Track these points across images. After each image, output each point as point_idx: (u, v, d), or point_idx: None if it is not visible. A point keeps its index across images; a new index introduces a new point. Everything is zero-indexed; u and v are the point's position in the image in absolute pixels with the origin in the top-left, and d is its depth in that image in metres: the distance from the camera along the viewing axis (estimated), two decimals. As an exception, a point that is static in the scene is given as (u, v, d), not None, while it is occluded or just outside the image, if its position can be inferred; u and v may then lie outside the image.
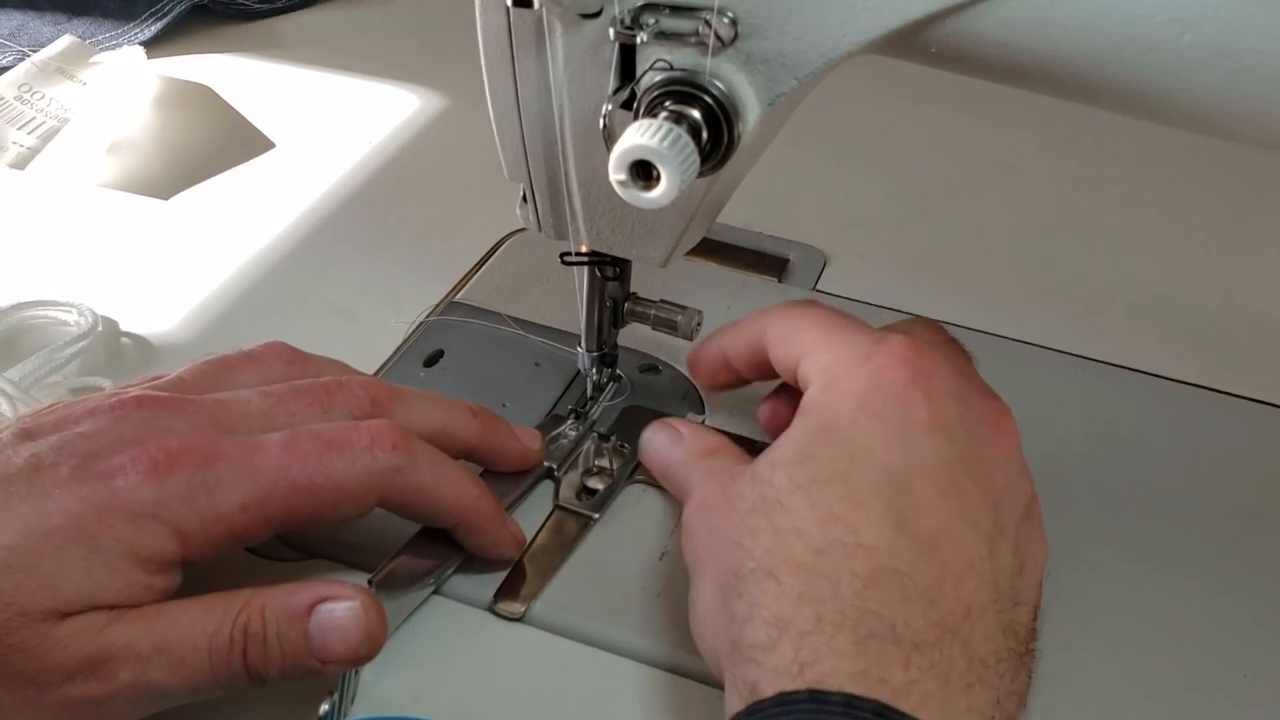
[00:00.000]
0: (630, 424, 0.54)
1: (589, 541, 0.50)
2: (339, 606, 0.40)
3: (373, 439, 0.42)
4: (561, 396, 0.56)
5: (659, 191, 0.38)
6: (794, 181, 0.72)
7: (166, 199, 0.70)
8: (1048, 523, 0.44)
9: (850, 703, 0.35)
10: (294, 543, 0.49)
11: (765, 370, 0.49)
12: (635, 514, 0.51)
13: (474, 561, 0.47)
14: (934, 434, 0.41)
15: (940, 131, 0.79)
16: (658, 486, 0.51)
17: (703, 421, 0.55)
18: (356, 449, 0.42)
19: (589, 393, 0.55)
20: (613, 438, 0.54)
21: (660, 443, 0.50)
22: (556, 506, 0.51)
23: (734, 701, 0.38)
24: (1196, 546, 0.50)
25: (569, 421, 0.54)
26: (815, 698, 0.35)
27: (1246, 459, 0.54)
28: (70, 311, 0.59)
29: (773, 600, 0.38)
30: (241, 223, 0.68)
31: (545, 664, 0.45)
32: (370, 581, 0.45)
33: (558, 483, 0.52)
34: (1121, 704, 0.45)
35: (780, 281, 0.65)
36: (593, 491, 0.51)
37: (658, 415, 0.55)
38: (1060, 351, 0.60)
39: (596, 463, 0.52)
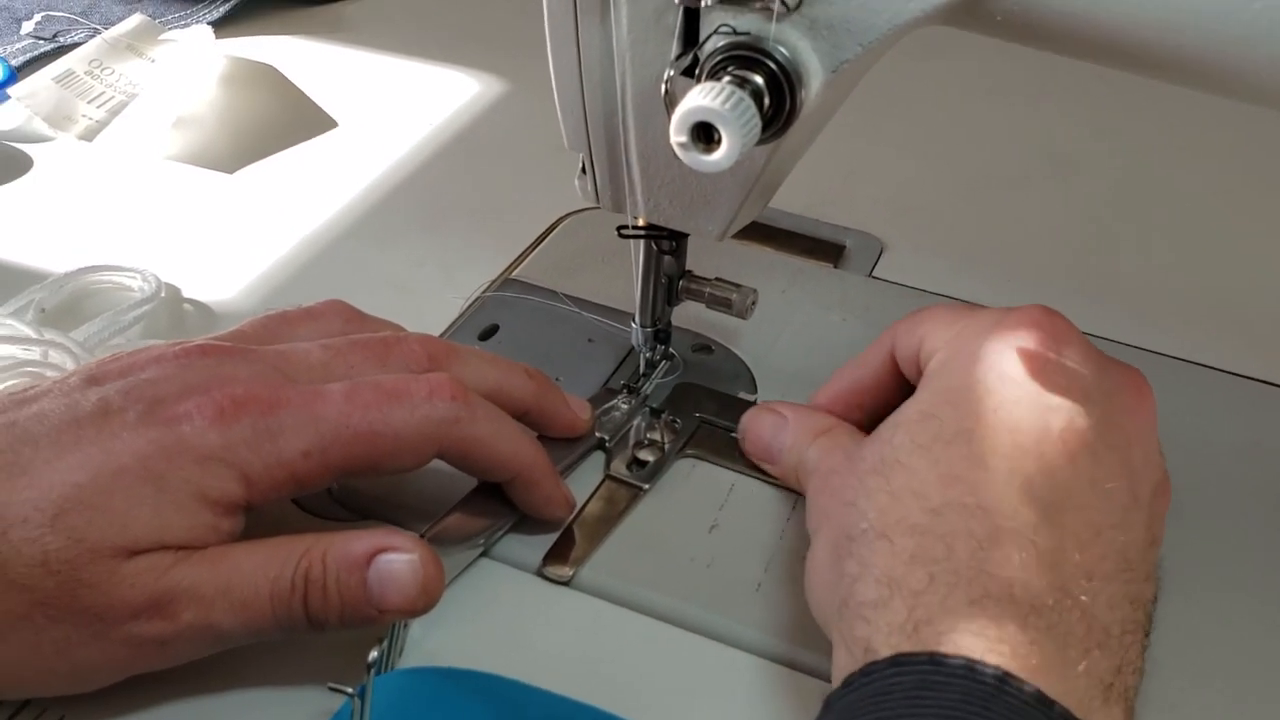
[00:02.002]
0: (682, 401, 0.54)
1: (638, 511, 0.50)
2: (398, 558, 0.40)
3: (431, 390, 0.42)
4: (614, 372, 0.56)
5: (720, 154, 0.38)
6: (851, 169, 0.72)
7: (231, 173, 0.71)
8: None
9: (972, 667, 0.34)
10: (348, 503, 0.49)
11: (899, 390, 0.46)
12: (685, 486, 0.51)
13: (524, 524, 0.48)
14: (1069, 396, 0.40)
15: (997, 121, 0.79)
16: (709, 461, 0.52)
17: (754, 401, 0.55)
18: (416, 399, 0.42)
19: (641, 369, 0.55)
20: (664, 413, 0.54)
21: (764, 426, 0.50)
22: (607, 476, 0.51)
23: (844, 659, 0.38)
24: (1258, 542, 0.50)
25: (621, 395, 0.54)
26: (935, 660, 0.34)
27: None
28: (135, 277, 0.60)
29: (884, 560, 0.38)
30: (303, 198, 0.69)
31: (591, 628, 0.46)
32: (422, 536, 0.45)
33: (609, 454, 0.52)
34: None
35: (836, 268, 0.65)
36: (643, 463, 0.52)
37: (711, 393, 0.55)
38: (1117, 342, 0.59)
39: (648, 436, 0.53)
